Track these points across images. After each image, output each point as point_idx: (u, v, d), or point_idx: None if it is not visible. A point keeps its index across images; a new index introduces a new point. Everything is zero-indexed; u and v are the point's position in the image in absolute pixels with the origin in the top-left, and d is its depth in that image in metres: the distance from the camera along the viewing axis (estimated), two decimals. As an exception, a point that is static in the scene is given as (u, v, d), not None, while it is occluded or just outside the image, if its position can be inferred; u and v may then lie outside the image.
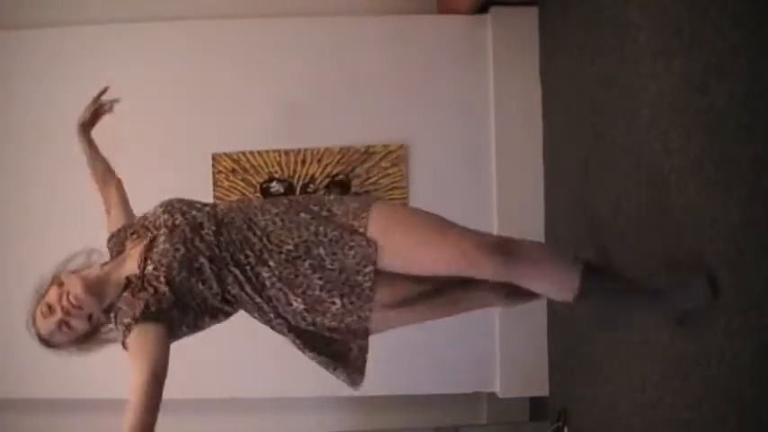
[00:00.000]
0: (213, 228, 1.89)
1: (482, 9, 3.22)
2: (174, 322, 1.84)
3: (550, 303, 3.17)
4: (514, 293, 2.07)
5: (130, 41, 3.20)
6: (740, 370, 1.80)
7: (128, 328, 1.78)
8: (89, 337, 1.95)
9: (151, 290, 1.82)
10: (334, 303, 1.88)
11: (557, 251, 2.08)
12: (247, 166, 3.20)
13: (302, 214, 1.92)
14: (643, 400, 2.28)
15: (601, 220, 2.58)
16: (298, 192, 3.21)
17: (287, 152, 3.20)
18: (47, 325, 1.91)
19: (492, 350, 3.23)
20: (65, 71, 3.19)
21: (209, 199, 3.18)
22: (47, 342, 1.95)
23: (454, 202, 3.09)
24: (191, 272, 1.84)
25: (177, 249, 1.84)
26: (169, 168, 3.14)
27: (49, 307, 1.90)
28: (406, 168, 3.22)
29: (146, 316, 1.78)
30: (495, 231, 3.21)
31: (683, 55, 2.00)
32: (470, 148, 3.24)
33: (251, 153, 3.19)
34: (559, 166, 3.04)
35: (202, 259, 1.85)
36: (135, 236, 2.00)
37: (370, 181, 3.22)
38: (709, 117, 1.88)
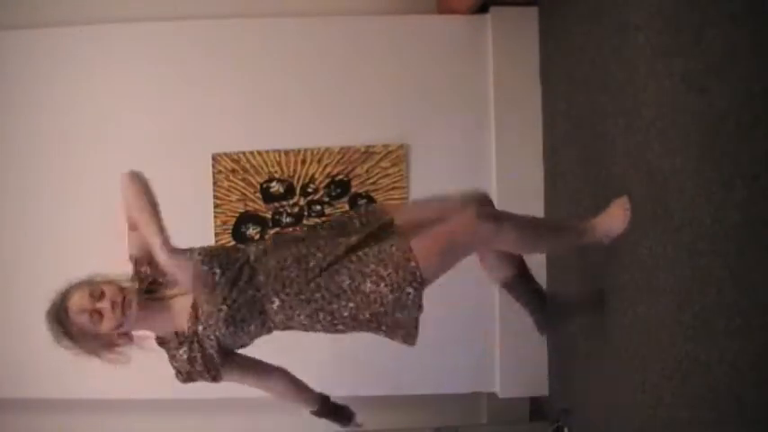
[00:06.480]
0: (248, 276, 1.99)
1: (482, 9, 3.22)
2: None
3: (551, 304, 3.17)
4: None
5: (130, 41, 3.20)
6: (740, 370, 1.80)
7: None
8: (103, 344, 1.98)
9: (199, 348, 1.99)
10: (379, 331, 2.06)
11: None
12: (247, 166, 3.20)
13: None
14: (643, 400, 2.28)
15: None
16: (298, 192, 3.21)
17: (287, 152, 3.20)
18: (81, 304, 1.92)
19: (492, 350, 3.23)
20: (65, 71, 3.19)
21: (209, 199, 3.18)
22: (64, 329, 1.94)
23: (454, 202, 3.09)
24: (236, 325, 1.97)
25: (220, 310, 1.95)
26: (169, 168, 3.14)
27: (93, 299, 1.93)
28: (406, 168, 3.23)
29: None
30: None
31: (683, 55, 1.99)
32: (470, 148, 3.24)
33: (251, 153, 3.19)
34: (559, 167, 3.04)
35: (244, 311, 1.97)
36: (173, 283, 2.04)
37: (370, 181, 3.22)
38: (710, 117, 1.88)
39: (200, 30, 3.23)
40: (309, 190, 3.22)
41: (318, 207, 3.21)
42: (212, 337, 1.97)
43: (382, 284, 1.96)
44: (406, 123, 3.23)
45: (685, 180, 2.00)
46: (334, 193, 3.21)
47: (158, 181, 2.90)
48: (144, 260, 2.06)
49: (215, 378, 2.04)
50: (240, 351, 2.12)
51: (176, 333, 2.01)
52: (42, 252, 3.14)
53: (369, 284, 1.96)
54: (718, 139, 1.85)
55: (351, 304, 1.99)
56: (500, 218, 2.10)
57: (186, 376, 2.03)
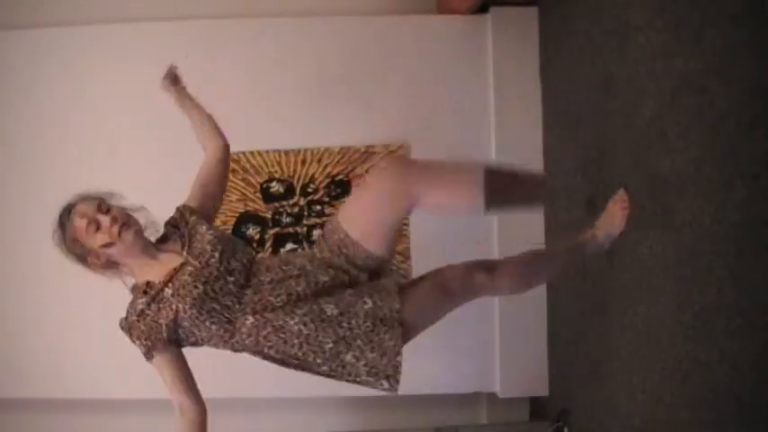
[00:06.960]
0: (239, 282, 1.96)
1: (482, 9, 3.22)
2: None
3: (551, 303, 3.17)
4: None
5: (130, 41, 3.20)
6: (740, 370, 1.80)
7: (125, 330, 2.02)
8: (90, 257, 2.02)
9: (155, 311, 1.94)
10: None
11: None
12: (247, 166, 3.20)
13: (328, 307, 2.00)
14: (643, 400, 2.28)
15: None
16: (298, 192, 3.21)
17: (287, 152, 3.21)
18: (85, 210, 1.98)
19: (492, 350, 3.23)
20: (65, 71, 3.19)
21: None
22: (63, 230, 2.03)
23: (454, 202, 3.09)
24: (200, 312, 1.92)
25: (196, 287, 1.91)
26: (169, 168, 3.14)
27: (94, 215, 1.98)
28: (406, 168, 3.22)
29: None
30: (494, 230, 3.22)
31: (683, 55, 2.00)
32: (470, 148, 3.23)
33: (251, 153, 3.19)
34: (559, 167, 3.04)
35: (216, 307, 1.93)
36: (183, 239, 2.05)
37: (370, 181, 3.22)
38: (710, 117, 1.88)
39: (200, 30, 3.23)
40: (309, 190, 3.22)
41: (318, 207, 3.21)
42: (173, 307, 1.91)
43: (362, 363, 1.96)
44: (406, 123, 3.23)
45: (685, 180, 2.01)
46: (334, 193, 3.21)
47: (158, 181, 2.92)
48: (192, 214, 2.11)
49: (148, 350, 1.95)
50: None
51: (148, 282, 1.98)
52: (43, 253, 3.13)
53: (350, 356, 1.95)
54: (718, 139, 1.86)
55: (324, 367, 1.97)
56: (491, 267, 2.10)
57: (128, 325, 1.97)
